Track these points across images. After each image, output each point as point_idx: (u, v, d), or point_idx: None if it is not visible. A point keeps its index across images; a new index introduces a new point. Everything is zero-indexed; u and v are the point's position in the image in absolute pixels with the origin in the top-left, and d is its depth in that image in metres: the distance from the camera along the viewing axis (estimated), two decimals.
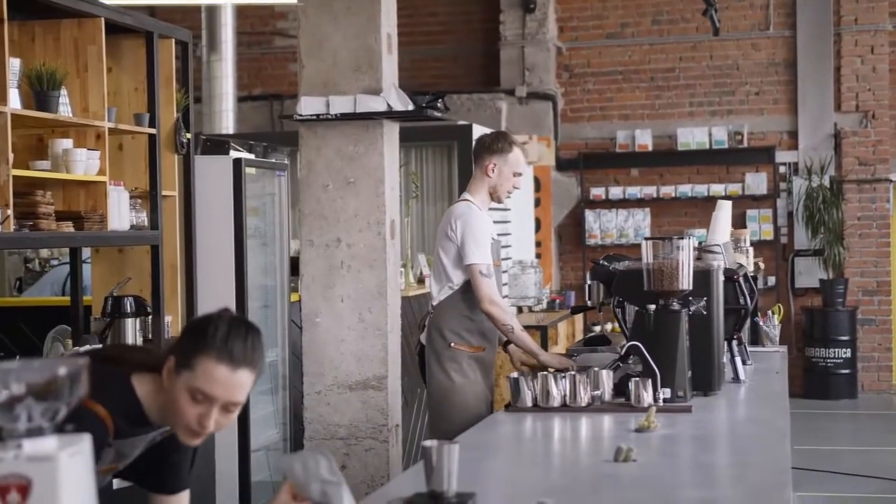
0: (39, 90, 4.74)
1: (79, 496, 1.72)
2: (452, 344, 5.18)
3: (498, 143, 5.32)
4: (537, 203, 12.40)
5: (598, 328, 12.05)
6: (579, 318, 11.44)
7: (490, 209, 5.41)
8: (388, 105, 5.78)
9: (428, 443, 2.72)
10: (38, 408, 1.73)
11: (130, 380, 2.67)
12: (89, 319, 5.60)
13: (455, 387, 5.15)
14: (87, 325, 5.56)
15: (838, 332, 12.28)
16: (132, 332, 5.37)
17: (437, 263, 5.32)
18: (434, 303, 5.31)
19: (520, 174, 5.33)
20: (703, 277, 4.49)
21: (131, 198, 5.44)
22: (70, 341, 5.39)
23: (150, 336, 5.57)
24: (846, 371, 12.30)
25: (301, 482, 2.49)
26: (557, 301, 11.03)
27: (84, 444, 1.75)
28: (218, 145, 6.63)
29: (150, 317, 5.53)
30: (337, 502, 2.46)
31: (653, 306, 4.35)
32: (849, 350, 12.29)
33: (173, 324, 5.82)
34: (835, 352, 12.26)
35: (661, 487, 3.00)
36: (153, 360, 2.69)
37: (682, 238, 4.37)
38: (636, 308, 4.47)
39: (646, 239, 4.42)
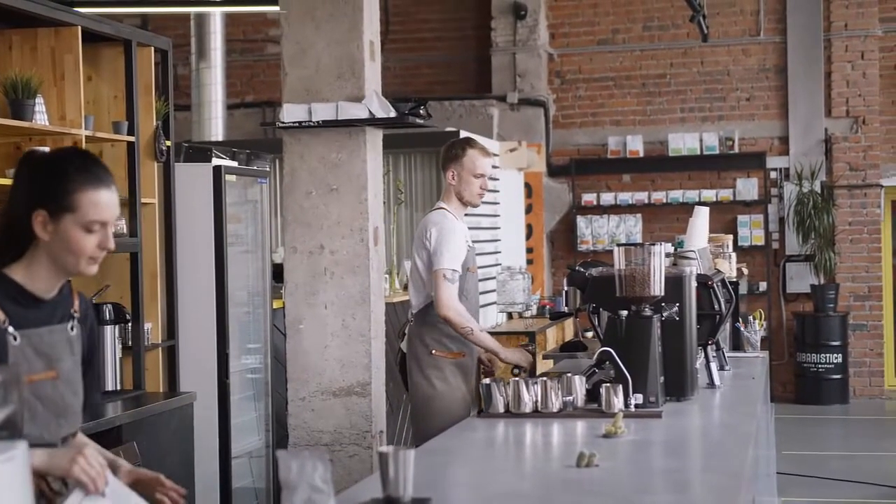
0: (15, 98, 4.76)
1: (13, 500, 1.73)
2: (434, 351, 5.21)
3: (452, 150, 5.38)
4: (529, 209, 12.43)
5: (590, 334, 12.04)
6: (569, 323, 11.45)
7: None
8: (371, 112, 5.80)
9: (383, 449, 2.74)
10: None
11: (3, 273, 2.71)
12: None
13: (437, 394, 5.18)
14: None
15: (830, 338, 12.29)
16: (111, 339, 5.37)
17: (414, 272, 5.37)
18: (413, 311, 5.36)
19: (481, 175, 5.33)
20: (675, 283, 4.50)
21: None
22: None
23: (129, 343, 5.58)
24: (837, 376, 12.30)
25: (290, 482, 2.48)
26: (548, 307, 11.03)
27: (18, 450, 1.76)
28: (200, 152, 6.64)
29: (129, 324, 5.55)
30: None
31: (625, 312, 4.36)
32: (840, 355, 12.29)
33: (153, 331, 5.83)
34: (826, 357, 12.26)
35: (618, 493, 3.01)
36: (12, 249, 2.72)
37: (654, 244, 4.39)
38: (609, 314, 4.48)
39: (618, 245, 4.43)
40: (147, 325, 5.71)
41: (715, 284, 4.97)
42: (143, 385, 5.61)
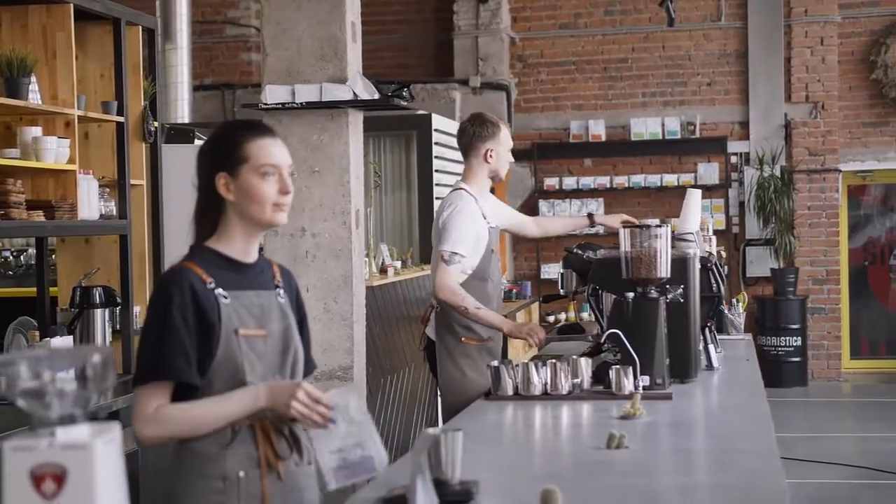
0: (9, 77, 4.66)
1: (113, 483, 1.70)
2: (463, 339, 5.12)
3: (487, 128, 5.33)
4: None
5: (559, 316, 12.08)
6: (535, 307, 11.48)
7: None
8: (354, 94, 5.75)
9: (432, 430, 2.71)
10: (70, 395, 1.70)
11: (204, 245, 2.92)
12: (55, 310, 5.52)
13: (467, 381, 5.09)
14: (53, 316, 5.48)
15: (789, 321, 12.42)
16: (101, 322, 5.29)
17: (435, 257, 5.21)
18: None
19: (511, 147, 5.45)
20: (680, 265, 4.50)
21: (100, 186, 5.37)
22: (37, 332, 5.29)
23: (118, 327, 5.49)
24: (797, 359, 12.44)
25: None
26: (514, 291, 11.05)
27: (115, 432, 1.72)
28: (182, 134, 6.56)
29: (119, 307, 5.46)
30: (366, 438, 2.66)
31: (631, 294, 4.35)
32: (799, 338, 12.43)
33: (142, 314, 5.74)
34: (786, 340, 12.40)
35: (657, 473, 3.02)
36: (207, 226, 2.92)
37: (660, 226, 4.39)
38: (614, 296, 4.47)
39: (624, 227, 4.43)
40: (136, 308, 5.63)
41: (713, 266, 4.99)
42: (133, 369, 5.52)
